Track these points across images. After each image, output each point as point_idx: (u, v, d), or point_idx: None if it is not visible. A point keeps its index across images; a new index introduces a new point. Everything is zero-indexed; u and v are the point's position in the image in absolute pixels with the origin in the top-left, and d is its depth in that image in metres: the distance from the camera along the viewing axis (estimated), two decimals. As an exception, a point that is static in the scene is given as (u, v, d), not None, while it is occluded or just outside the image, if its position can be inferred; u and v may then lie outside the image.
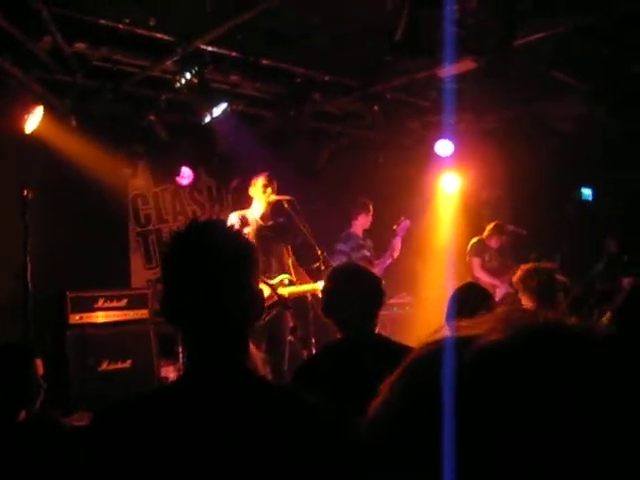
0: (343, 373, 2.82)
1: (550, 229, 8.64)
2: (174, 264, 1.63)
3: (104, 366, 6.42)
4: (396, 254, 7.50)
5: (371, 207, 7.72)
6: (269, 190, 6.34)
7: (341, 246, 7.53)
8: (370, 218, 7.73)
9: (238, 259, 1.62)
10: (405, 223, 7.55)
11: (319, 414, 1.54)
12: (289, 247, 6.52)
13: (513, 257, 8.36)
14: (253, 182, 6.43)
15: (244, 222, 6.32)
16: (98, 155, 6.84)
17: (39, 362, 3.20)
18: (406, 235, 7.59)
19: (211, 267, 1.59)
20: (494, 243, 8.29)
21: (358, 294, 3.10)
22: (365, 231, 7.75)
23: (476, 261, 8.17)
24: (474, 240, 8.29)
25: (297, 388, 2.17)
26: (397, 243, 7.47)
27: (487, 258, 8.22)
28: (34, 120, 6.08)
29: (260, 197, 6.38)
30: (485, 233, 8.32)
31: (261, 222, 6.37)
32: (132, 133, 7.22)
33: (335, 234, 7.68)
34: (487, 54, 5.01)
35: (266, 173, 6.40)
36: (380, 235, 7.86)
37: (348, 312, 3.11)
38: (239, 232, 1.74)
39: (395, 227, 7.53)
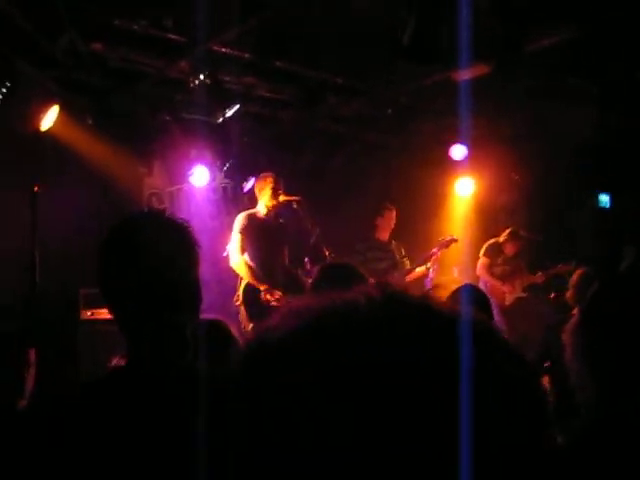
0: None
1: (567, 235, 8.59)
2: (113, 253, 1.67)
3: (115, 362, 6.47)
4: (432, 267, 7.56)
5: (389, 210, 7.80)
6: (277, 191, 6.46)
7: (358, 245, 7.66)
8: (390, 221, 7.81)
9: (177, 252, 1.65)
10: (449, 239, 7.63)
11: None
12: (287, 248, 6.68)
13: (528, 263, 8.34)
14: (259, 182, 6.57)
15: (253, 221, 6.45)
16: (114, 154, 6.92)
17: (32, 352, 3.25)
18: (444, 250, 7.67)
19: (148, 258, 1.62)
20: (509, 249, 8.26)
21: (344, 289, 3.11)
22: (391, 234, 7.83)
23: (483, 261, 8.18)
24: (490, 241, 8.29)
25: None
26: (433, 254, 7.52)
27: (499, 261, 8.21)
28: (50, 118, 6.16)
29: (266, 197, 6.51)
30: (501, 238, 8.31)
31: (266, 221, 6.52)
32: (148, 132, 7.29)
33: (350, 237, 7.76)
34: (496, 59, 5.01)
35: (271, 173, 6.52)
36: (397, 239, 7.93)
37: None
38: (183, 226, 1.73)
39: (441, 239, 7.62)
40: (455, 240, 7.68)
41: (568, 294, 5.59)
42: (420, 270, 7.56)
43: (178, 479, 1.45)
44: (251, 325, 6.27)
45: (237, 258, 6.38)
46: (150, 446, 1.49)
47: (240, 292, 6.40)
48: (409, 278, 7.49)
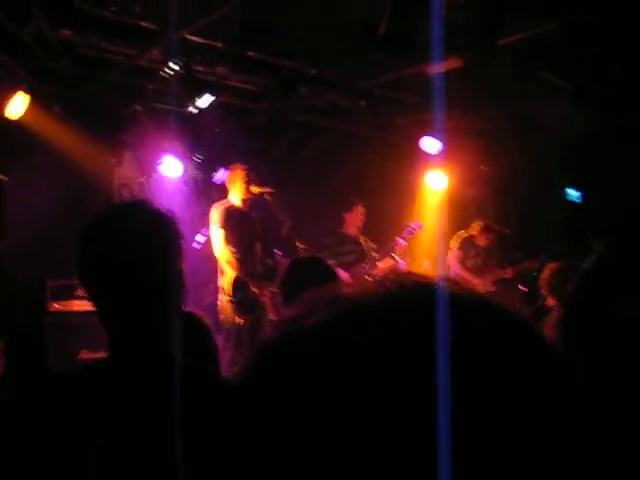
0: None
1: (536, 229, 8.64)
2: (96, 243, 1.63)
3: (84, 354, 6.41)
4: (400, 254, 7.54)
5: (357, 206, 7.74)
6: (249, 182, 6.42)
7: (324, 240, 7.59)
8: (359, 216, 7.75)
9: (161, 242, 1.61)
10: (415, 226, 7.60)
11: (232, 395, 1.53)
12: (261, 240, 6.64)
13: (498, 257, 8.39)
14: (231, 174, 6.51)
15: (230, 213, 6.39)
16: (83, 143, 6.81)
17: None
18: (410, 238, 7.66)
19: (132, 249, 1.58)
20: (481, 241, 8.30)
21: (314, 284, 3.08)
22: (359, 229, 7.79)
23: (456, 253, 8.20)
24: (463, 233, 8.31)
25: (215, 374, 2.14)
26: (397, 244, 7.51)
27: (472, 254, 8.24)
28: (17, 106, 6.04)
29: (238, 189, 6.46)
30: (473, 230, 8.33)
31: (241, 212, 6.47)
32: (118, 122, 7.19)
33: (320, 229, 7.72)
34: (470, 52, 5.00)
35: (244, 165, 6.47)
36: (368, 232, 7.90)
37: None
38: (162, 214, 1.69)
39: (405, 226, 7.61)
40: (420, 227, 7.67)
41: (542, 289, 5.61)
42: (387, 261, 7.54)
43: (164, 474, 1.42)
44: (238, 319, 6.20)
45: (222, 251, 6.30)
46: (135, 443, 1.45)
47: (226, 285, 6.30)
48: (378, 270, 7.47)
